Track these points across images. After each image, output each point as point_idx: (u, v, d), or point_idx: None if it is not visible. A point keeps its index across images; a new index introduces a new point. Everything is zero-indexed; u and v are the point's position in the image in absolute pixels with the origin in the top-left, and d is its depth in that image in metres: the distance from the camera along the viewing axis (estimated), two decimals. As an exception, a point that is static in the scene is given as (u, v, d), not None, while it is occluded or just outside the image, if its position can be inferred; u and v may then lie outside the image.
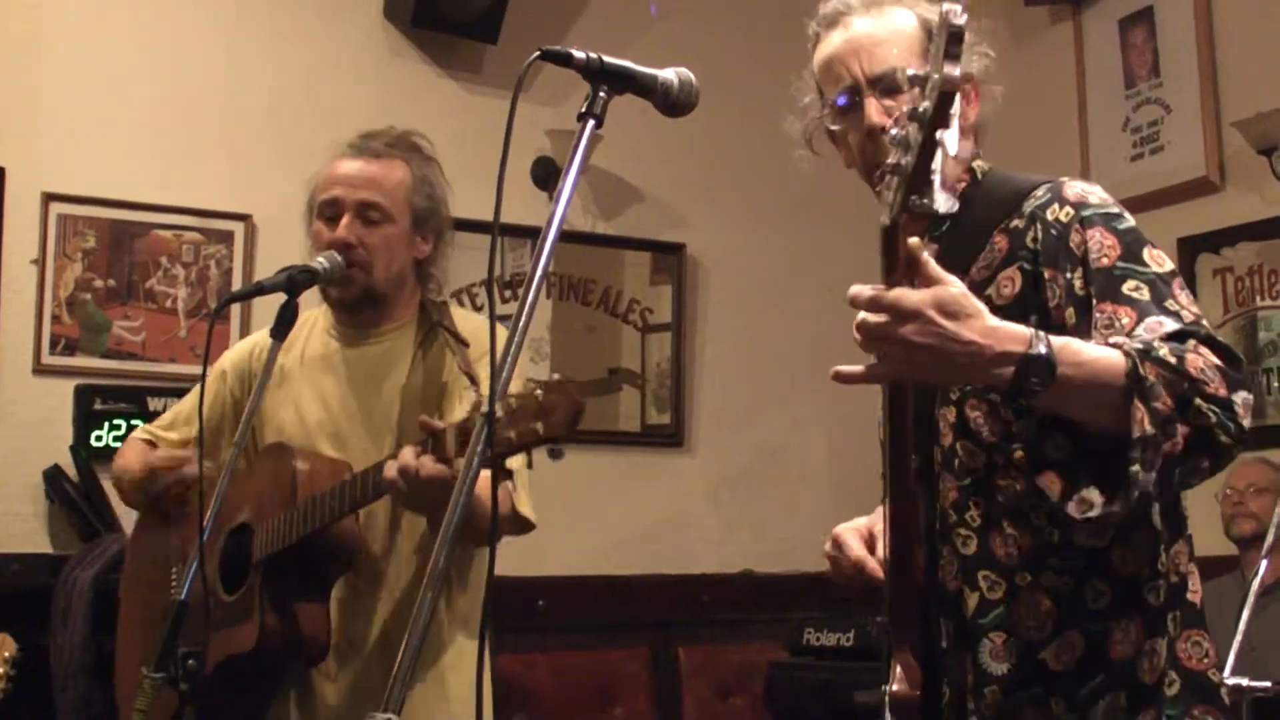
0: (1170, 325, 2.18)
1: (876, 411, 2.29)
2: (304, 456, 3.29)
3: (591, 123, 2.14)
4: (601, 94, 2.15)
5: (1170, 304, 2.23)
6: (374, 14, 6.16)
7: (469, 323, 3.44)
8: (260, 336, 3.65)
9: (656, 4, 6.71)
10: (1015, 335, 2.03)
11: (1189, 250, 6.17)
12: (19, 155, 5.41)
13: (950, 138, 1.87)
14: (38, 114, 5.48)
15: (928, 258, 2.00)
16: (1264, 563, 3.85)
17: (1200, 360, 2.09)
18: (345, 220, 3.33)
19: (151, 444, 3.63)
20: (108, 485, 5.21)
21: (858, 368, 2.05)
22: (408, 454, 2.91)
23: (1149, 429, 2.02)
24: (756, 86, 6.69)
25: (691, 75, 2.24)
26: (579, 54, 2.14)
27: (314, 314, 3.56)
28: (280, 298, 3.10)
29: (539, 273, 2.03)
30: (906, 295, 1.97)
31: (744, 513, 6.64)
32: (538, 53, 2.11)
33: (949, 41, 1.82)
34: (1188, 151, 6.27)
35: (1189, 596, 2.38)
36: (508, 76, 6.11)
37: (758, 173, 6.76)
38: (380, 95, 5.91)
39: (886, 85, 2.48)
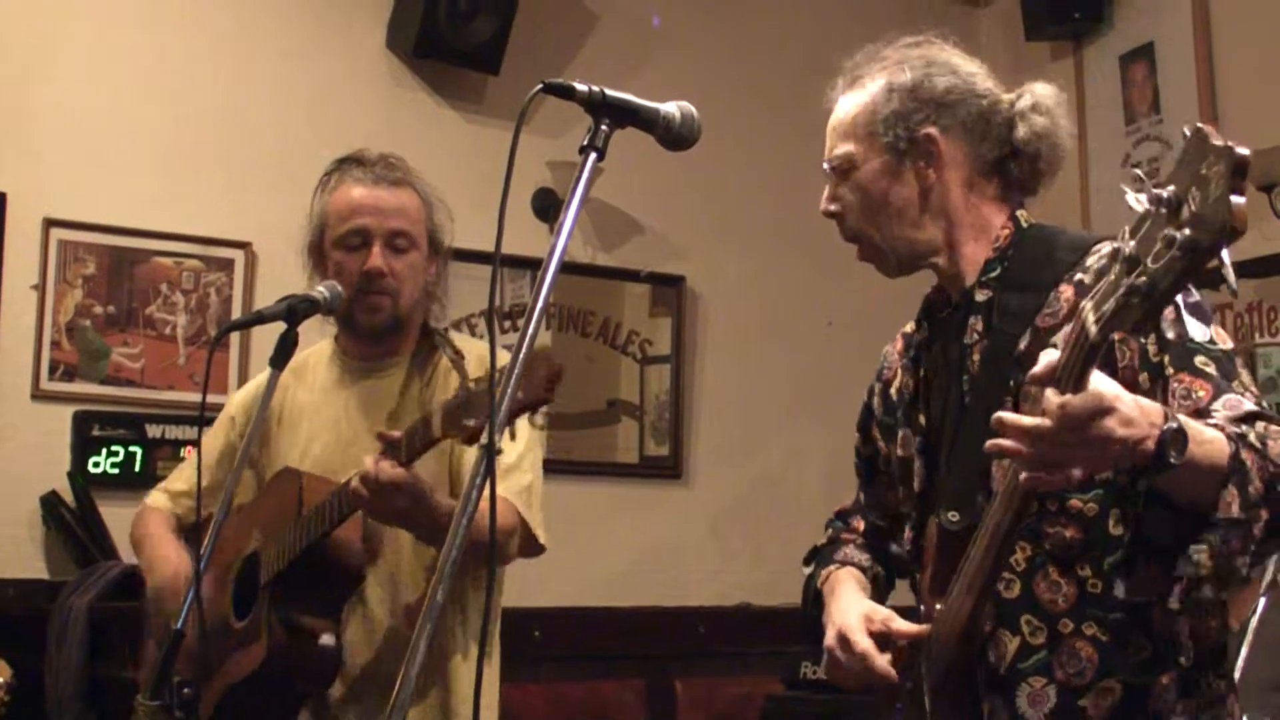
0: (1247, 404, 2.24)
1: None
2: (309, 476, 3.30)
3: (593, 155, 2.14)
4: (603, 127, 2.15)
5: (1237, 384, 2.29)
6: (376, 44, 6.17)
7: (473, 350, 3.44)
8: (266, 377, 3.66)
9: (659, 18, 6.72)
10: (1156, 409, 2.05)
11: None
12: (20, 181, 5.42)
13: (1229, 272, 1.80)
14: (39, 140, 5.49)
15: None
16: (1262, 600, 3.85)
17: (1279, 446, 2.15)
18: (376, 249, 3.33)
19: (165, 511, 3.61)
20: (105, 511, 5.21)
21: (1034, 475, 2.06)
22: (367, 461, 2.94)
23: (1236, 513, 2.07)
24: (758, 120, 6.73)
25: (693, 109, 2.24)
26: (581, 87, 2.14)
27: (319, 348, 3.56)
28: (280, 326, 3.11)
29: (540, 304, 2.03)
30: (1101, 392, 1.97)
31: (742, 545, 6.63)
32: (540, 85, 2.11)
33: (1233, 174, 1.72)
34: (1187, 188, 6.27)
35: (1225, 661, 2.42)
36: (509, 107, 6.12)
37: (758, 206, 6.78)
38: (382, 125, 5.92)
39: (838, 170, 2.59)
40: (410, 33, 6.04)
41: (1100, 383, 1.97)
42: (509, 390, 2.44)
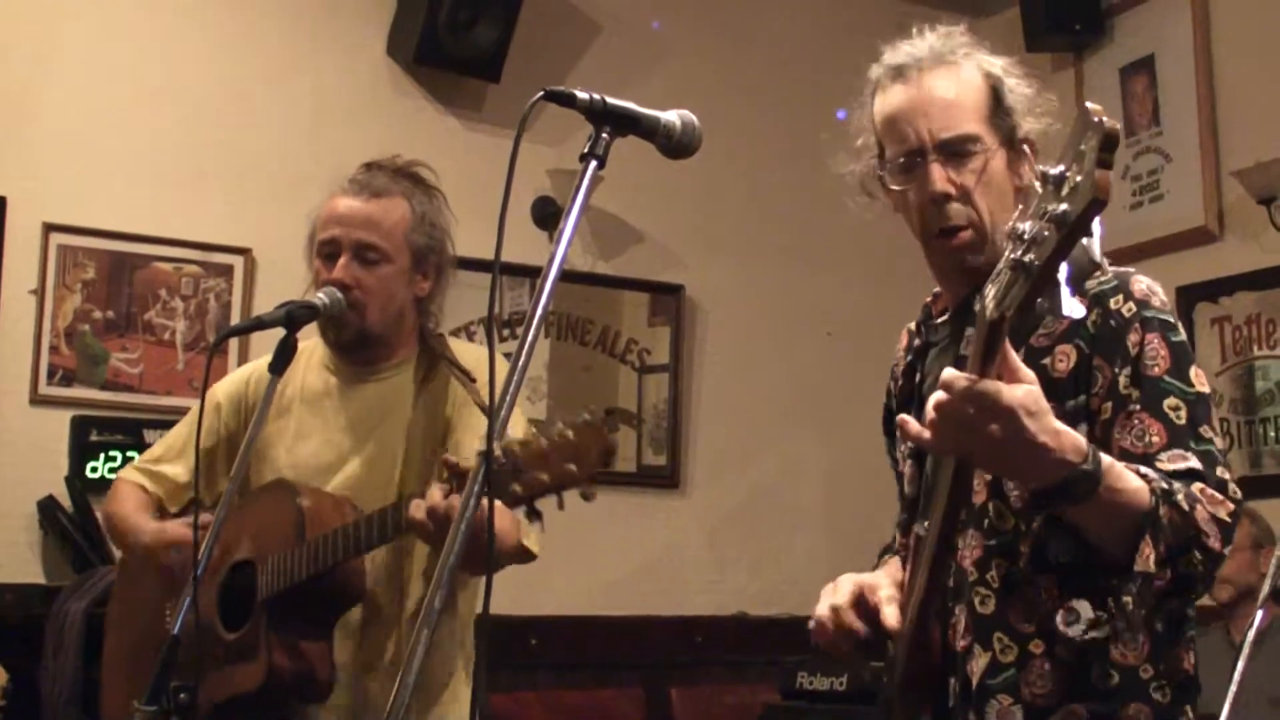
0: (1191, 460, 2.26)
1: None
2: (308, 493, 3.27)
3: (594, 164, 2.13)
4: (604, 135, 2.13)
5: (1204, 430, 2.31)
6: (377, 50, 6.18)
7: (469, 355, 3.42)
8: (255, 366, 3.63)
9: (659, 23, 6.73)
10: (1076, 445, 2.08)
11: (1187, 299, 6.17)
12: (20, 185, 5.42)
13: (1095, 246, 1.86)
14: (40, 144, 5.50)
15: (1011, 351, 2.02)
16: (1259, 613, 3.83)
17: (1207, 512, 2.19)
18: (342, 261, 3.31)
19: (144, 488, 3.60)
20: (102, 517, 5.21)
21: (924, 431, 2.07)
22: (436, 495, 2.87)
23: (1151, 567, 2.12)
24: (758, 130, 6.73)
25: (694, 118, 2.23)
26: (582, 95, 2.13)
27: (310, 345, 3.52)
28: (279, 332, 3.10)
29: (539, 313, 2.02)
30: (1003, 392, 1.98)
31: (739, 554, 6.63)
32: (541, 93, 2.10)
33: (1103, 147, 1.76)
34: (1187, 200, 6.28)
35: (1198, 696, 2.44)
36: (510, 115, 6.12)
37: (757, 215, 6.79)
38: (381, 132, 5.91)
39: (952, 150, 2.47)
40: (411, 40, 6.04)
41: (1014, 388, 2.00)
42: (560, 464, 2.44)
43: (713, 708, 6.21)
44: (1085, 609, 2.25)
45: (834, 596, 2.53)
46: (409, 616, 3.32)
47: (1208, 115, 6.27)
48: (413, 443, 3.36)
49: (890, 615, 2.44)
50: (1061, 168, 1.81)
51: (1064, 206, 1.77)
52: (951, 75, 2.52)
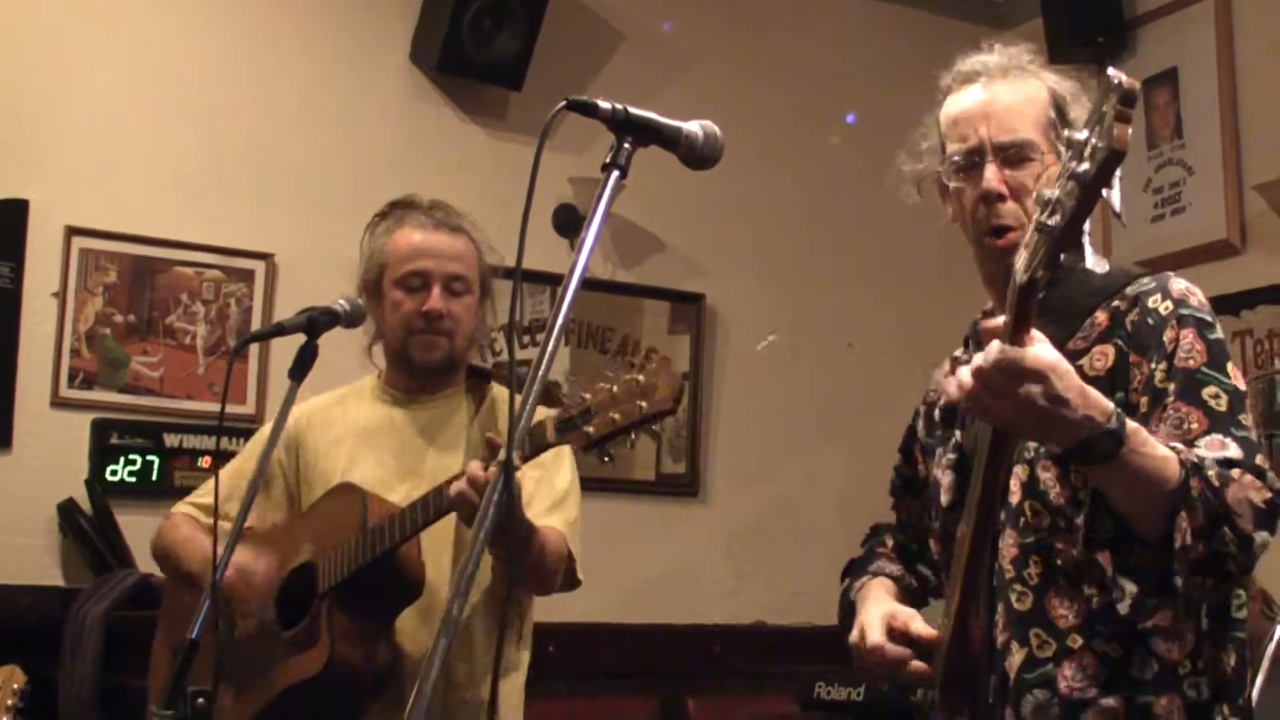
0: (1231, 449, 2.29)
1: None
2: (370, 494, 3.37)
3: (615, 174, 2.14)
4: (626, 145, 2.15)
5: (1243, 418, 2.35)
6: (400, 58, 6.18)
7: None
8: (308, 405, 3.70)
9: (670, 24, 6.73)
10: (1101, 404, 2.14)
11: (1208, 312, 6.14)
12: (43, 188, 5.43)
13: (1115, 197, 1.94)
14: (63, 148, 5.50)
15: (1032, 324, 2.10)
16: (1278, 629, 3.82)
17: (1240, 494, 2.21)
18: (436, 291, 3.48)
19: (198, 520, 3.65)
20: (122, 520, 5.22)
21: (953, 393, 2.19)
22: (475, 467, 2.98)
23: (1189, 541, 2.15)
24: (780, 140, 6.73)
25: (716, 128, 2.24)
26: (604, 104, 2.14)
27: (363, 383, 3.70)
28: (299, 339, 3.13)
29: (560, 322, 2.03)
30: (1040, 355, 2.07)
31: (757, 564, 6.62)
32: (563, 102, 2.11)
33: (1121, 102, 1.86)
34: (1209, 213, 6.25)
35: (1241, 699, 2.44)
36: (532, 123, 6.13)
37: (779, 226, 6.78)
38: (404, 138, 5.93)
39: (1010, 154, 2.54)
40: (434, 48, 6.05)
41: (1043, 351, 2.08)
42: (637, 405, 2.50)
43: (730, 718, 6.20)
44: (1130, 586, 2.26)
45: (867, 637, 2.61)
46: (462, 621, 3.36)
47: (1230, 128, 6.24)
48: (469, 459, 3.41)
49: (924, 630, 2.54)
50: (1085, 133, 1.90)
51: (1084, 166, 1.88)
52: (1016, 86, 2.60)
